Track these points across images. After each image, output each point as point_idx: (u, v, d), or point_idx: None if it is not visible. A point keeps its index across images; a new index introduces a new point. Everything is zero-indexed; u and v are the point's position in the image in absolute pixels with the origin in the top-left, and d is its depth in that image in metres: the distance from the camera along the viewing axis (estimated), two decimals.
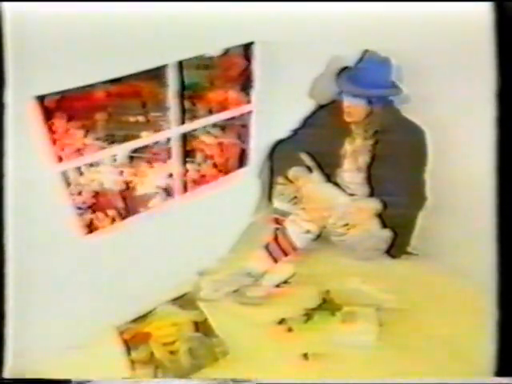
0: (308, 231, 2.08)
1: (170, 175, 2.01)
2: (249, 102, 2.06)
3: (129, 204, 1.96)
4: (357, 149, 2.11)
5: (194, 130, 2.01)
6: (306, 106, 2.11)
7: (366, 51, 1.98)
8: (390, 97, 2.02)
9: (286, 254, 2.08)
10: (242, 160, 2.17)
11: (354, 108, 2.04)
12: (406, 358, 1.73)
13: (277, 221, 2.15)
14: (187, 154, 2.03)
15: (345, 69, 2.03)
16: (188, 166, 2.05)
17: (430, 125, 1.98)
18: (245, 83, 2.03)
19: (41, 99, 1.59)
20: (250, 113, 2.08)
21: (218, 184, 2.12)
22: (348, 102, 2.04)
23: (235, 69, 2.00)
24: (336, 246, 2.12)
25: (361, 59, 1.99)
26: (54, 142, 1.70)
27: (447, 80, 1.92)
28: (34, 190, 1.63)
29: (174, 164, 1.99)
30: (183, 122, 1.94)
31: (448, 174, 2.00)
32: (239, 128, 2.12)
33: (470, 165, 1.88)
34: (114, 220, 1.93)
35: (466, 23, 1.74)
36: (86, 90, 1.69)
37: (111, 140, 1.83)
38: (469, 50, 1.79)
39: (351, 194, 2.12)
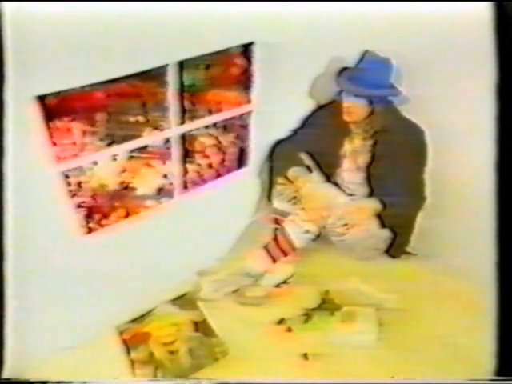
0: (307, 231, 2.08)
1: (170, 175, 2.00)
2: (249, 101, 2.06)
3: (128, 204, 1.96)
4: (356, 149, 2.11)
5: (194, 130, 2.01)
6: (306, 106, 2.11)
7: (365, 51, 1.98)
8: (389, 97, 2.02)
9: (285, 254, 2.07)
10: (241, 160, 2.17)
11: (354, 108, 2.04)
12: (405, 357, 1.73)
13: (276, 221, 2.15)
14: (187, 154, 2.03)
15: (345, 69, 2.02)
16: (188, 165, 2.05)
17: (430, 125, 1.98)
18: (245, 83, 2.03)
19: (41, 99, 1.59)
20: (249, 113, 2.08)
21: (218, 184, 2.12)
22: (349, 102, 2.03)
23: (235, 69, 2.00)
24: (335, 246, 2.12)
25: (361, 59, 1.99)
26: (54, 142, 1.70)
27: (447, 80, 1.92)
28: (34, 189, 1.63)
29: (174, 164, 1.99)
30: (183, 122, 1.94)
31: (448, 174, 2.00)
32: (239, 128, 2.11)
33: (470, 164, 1.89)
34: (113, 220, 1.93)
35: (465, 23, 1.75)
36: (86, 90, 1.69)
37: (111, 140, 1.83)
38: (468, 50, 1.79)
39: (351, 194, 2.11)
